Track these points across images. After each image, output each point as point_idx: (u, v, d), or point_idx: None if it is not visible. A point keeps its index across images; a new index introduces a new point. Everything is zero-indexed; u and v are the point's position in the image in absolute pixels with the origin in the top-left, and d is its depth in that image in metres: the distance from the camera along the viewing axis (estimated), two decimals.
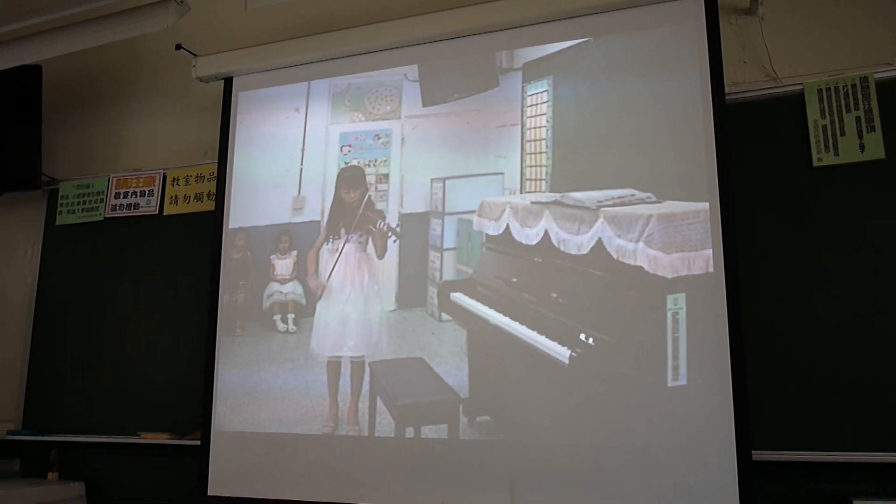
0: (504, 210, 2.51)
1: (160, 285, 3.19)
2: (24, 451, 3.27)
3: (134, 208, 3.32)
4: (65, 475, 3.14)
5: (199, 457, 2.76)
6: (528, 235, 2.46)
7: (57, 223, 3.46)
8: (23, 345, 3.40)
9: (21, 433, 3.22)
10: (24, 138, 3.40)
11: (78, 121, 3.66)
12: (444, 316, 2.54)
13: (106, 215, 3.36)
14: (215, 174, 3.06)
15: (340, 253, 2.73)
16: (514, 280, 2.45)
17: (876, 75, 2.36)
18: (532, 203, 2.47)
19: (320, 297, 2.74)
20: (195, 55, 3.08)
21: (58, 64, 3.45)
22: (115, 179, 3.40)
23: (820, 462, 2.18)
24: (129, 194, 3.35)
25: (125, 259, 3.29)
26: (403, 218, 2.68)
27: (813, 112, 2.40)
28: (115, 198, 3.37)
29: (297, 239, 2.82)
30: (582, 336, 2.29)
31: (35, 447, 3.21)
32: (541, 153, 2.51)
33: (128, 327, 3.20)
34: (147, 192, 3.32)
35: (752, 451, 2.08)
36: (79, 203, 3.44)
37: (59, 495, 2.99)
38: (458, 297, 2.54)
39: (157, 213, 3.28)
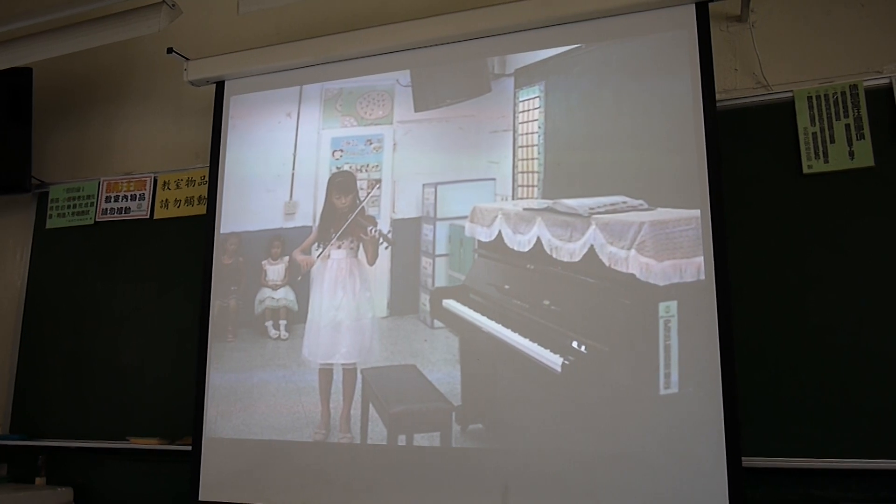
0: (496, 216, 2.51)
1: (151, 289, 3.17)
2: (12, 456, 3.24)
3: (124, 212, 3.30)
4: (53, 480, 3.11)
5: (191, 462, 2.75)
6: (521, 242, 2.46)
7: (47, 227, 3.44)
8: (11, 349, 3.38)
9: (9, 438, 3.20)
10: (14, 141, 3.37)
11: (69, 124, 3.63)
12: (437, 323, 2.53)
13: (96, 219, 3.35)
14: (207, 178, 3.05)
15: (330, 256, 2.72)
16: (507, 287, 2.45)
17: (865, 83, 2.37)
18: (524, 209, 2.47)
19: (306, 274, 2.73)
20: (187, 59, 3.05)
21: (49, 66, 3.43)
22: (105, 183, 3.38)
23: (810, 469, 2.18)
24: (120, 198, 3.33)
25: (115, 263, 3.27)
26: (395, 223, 2.68)
27: (803, 119, 2.41)
28: (106, 201, 3.35)
29: (289, 244, 2.80)
30: (574, 343, 2.29)
31: (23, 452, 3.18)
32: (533, 159, 2.51)
33: (118, 331, 3.18)
34: (138, 196, 3.30)
35: (743, 458, 2.09)
36: (69, 207, 3.42)
37: (46, 500, 2.97)
38: (451, 303, 2.53)
39: (147, 217, 3.26)
